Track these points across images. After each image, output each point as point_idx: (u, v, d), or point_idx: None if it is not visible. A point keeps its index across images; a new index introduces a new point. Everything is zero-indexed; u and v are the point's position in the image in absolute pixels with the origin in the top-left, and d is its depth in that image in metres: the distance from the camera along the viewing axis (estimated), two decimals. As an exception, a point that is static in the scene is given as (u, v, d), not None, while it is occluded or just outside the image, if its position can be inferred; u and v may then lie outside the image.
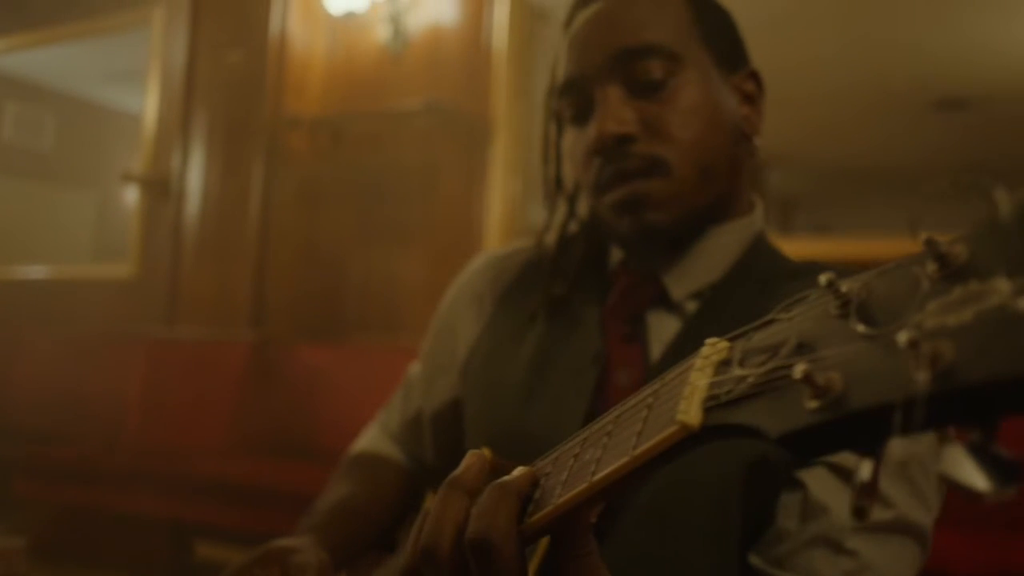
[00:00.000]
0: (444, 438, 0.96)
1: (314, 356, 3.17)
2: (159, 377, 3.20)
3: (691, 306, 0.80)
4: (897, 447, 0.66)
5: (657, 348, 0.78)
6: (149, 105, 3.71)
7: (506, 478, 0.47)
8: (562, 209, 0.90)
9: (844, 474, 0.66)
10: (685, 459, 0.67)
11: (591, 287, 0.86)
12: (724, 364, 0.34)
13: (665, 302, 0.81)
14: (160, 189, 3.60)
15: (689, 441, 0.34)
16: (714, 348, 0.35)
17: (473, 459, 0.50)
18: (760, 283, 0.78)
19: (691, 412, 0.33)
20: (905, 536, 0.66)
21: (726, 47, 0.83)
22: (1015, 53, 2.32)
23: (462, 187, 3.15)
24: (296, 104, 3.37)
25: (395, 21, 3.15)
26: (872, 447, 0.26)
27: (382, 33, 3.19)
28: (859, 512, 0.26)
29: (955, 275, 0.26)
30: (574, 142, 0.83)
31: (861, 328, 0.28)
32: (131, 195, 3.79)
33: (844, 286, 0.30)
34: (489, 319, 0.93)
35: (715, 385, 0.33)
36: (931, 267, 0.26)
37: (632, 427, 0.39)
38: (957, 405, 0.23)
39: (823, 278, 0.31)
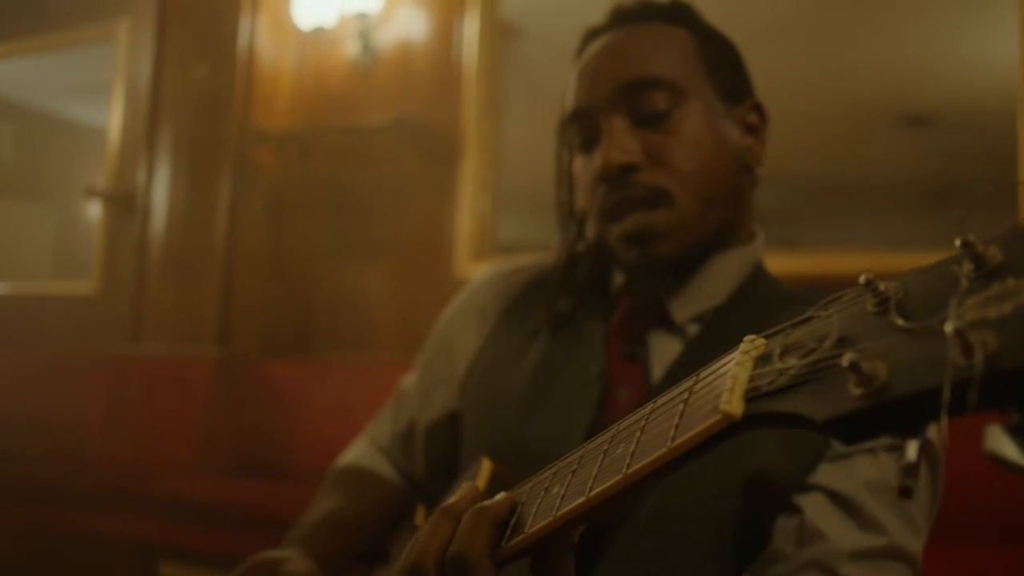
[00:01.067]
0: (437, 451, 0.97)
1: (282, 373, 3.14)
2: (123, 395, 3.15)
3: (693, 329, 0.82)
4: (888, 472, 0.70)
5: (658, 368, 0.81)
6: (113, 119, 3.65)
7: (486, 503, 0.52)
8: (572, 231, 0.93)
9: (841, 501, 0.69)
10: (683, 477, 0.70)
11: (595, 306, 0.88)
12: (763, 359, 0.37)
13: (667, 324, 0.83)
14: (124, 205, 3.55)
15: (729, 431, 0.36)
16: (752, 344, 0.38)
17: (467, 490, 0.55)
18: (760, 308, 0.81)
19: (734, 402, 0.35)
20: (897, 562, 0.68)
21: (730, 80, 0.86)
22: (977, 71, 2.41)
23: (432, 203, 3.16)
24: (264, 119, 3.35)
25: (364, 36, 3.16)
26: (914, 431, 0.29)
27: (351, 48, 3.20)
28: (904, 491, 0.28)
29: (991, 274, 0.28)
30: (582, 169, 0.86)
31: (901, 322, 0.30)
32: (94, 211, 3.72)
33: (882, 285, 0.32)
34: (491, 333, 0.94)
35: (756, 377, 0.36)
36: (967, 267, 0.29)
37: (666, 423, 0.41)
38: (1000, 389, 0.26)
39: (862, 277, 0.33)
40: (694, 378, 0.42)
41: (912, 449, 0.28)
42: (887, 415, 0.29)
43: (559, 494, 0.49)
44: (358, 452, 1.04)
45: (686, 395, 0.41)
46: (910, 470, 0.28)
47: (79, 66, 3.86)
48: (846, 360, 0.30)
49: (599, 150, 0.81)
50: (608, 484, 0.43)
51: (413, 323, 3.11)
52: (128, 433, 3.05)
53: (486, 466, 0.74)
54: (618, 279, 0.89)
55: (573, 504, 0.47)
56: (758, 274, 0.86)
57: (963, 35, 2.41)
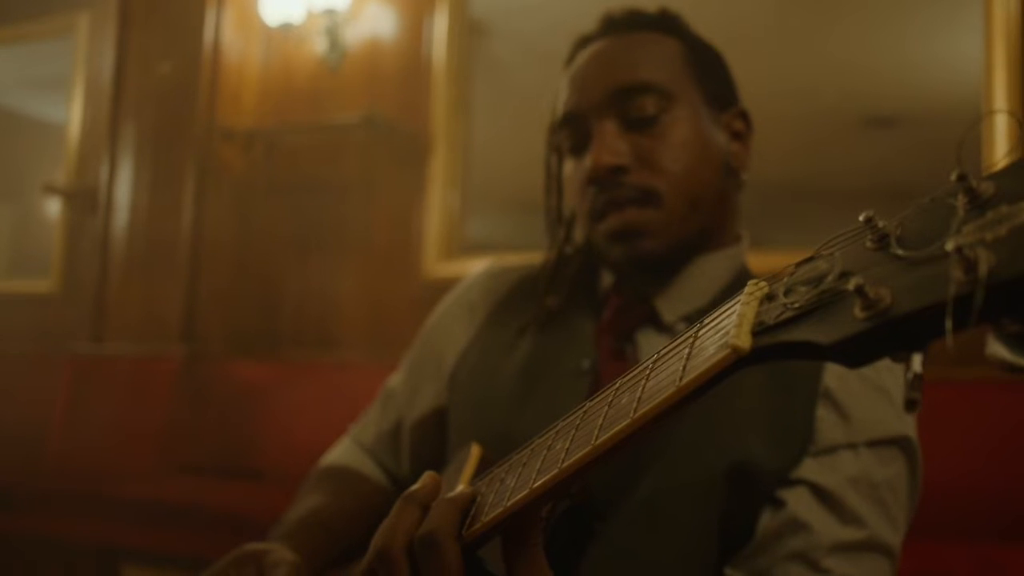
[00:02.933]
0: (423, 448, 0.97)
1: (248, 372, 3.11)
2: (84, 395, 3.09)
3: (680, 328, 0.84)
4: (874, 469, 0.73)
5: None
6: (74, 115, 3.59)
7: (452, 494, 0.56)
8: (560, 234, 0.94)
9: (824, 495, 0.71)
10: (670, 466, 0.72)
11: (585, 304, 0.90)
12: (768, 298, 0.39)
13: (655, 323, 0.85)
14: (85, 202, 3.49)
15: (739, 364, 0.38)
16: (756, 286, 0.40)
17: (428, 478, 0.58)
18: None
19: (742, 336, 0.37)
20: (877, 554, 0.71)
21: (716, 87, 0.89)
22: (940, 73, 2.49)
23: (400, 201, 3.16)
24: (230, 116, 3.32)
25: (332, 33, 3.15)
26: (919, 347, 0.31)
27: (319, 45, 3.19)
28: (911, 403, 0.30)
29: (985, 204, 0.31)
30: (572, 172, 0.88)
31: (901, 252, 0.33)
32: (53, 208, 3.65)
33: (880, 222, 0.35)
34: (480, 329, 0.95)
35: (762, 313, 0.38)
36: (962, 199, 0.32)
37: (672, 367, 0.43)
38: (998, 301, 0.28)
39: (862, 216, 0.36)
40: (697, 325, 0.44)
41: (917, 362, 0.30)
42: (892, 334, 0.31)
43: (557, 453, 0.51)
44: (341, 452, 1.04)
45: (691, 340, 0.43)
46: (915, 382, 0.30)
47: (38, 60, 3.78)
48: (852, 284, 0.32)
49: (589, 153, 0.84)
50: (616, 430, 0.45)
51: (381, 322, 3.11)
52: (89, 434, 2.99)
53: (475, 451, 0.75)
54: (607, 279, 0.91)
55: (549, 475, 0.49)
56: (744, 276, 0.88)
57: (926, 38, 2.49)
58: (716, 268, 0.86)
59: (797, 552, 0.70)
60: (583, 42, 0.92)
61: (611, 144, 0.82)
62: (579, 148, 0.87)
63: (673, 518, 0.73)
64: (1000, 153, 2.27)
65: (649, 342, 0.84)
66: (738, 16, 2.50)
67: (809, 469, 0.72)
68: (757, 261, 0.91)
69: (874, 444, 0.73)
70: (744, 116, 0.91)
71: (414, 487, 0.57)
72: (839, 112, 2.53)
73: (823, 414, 0.74)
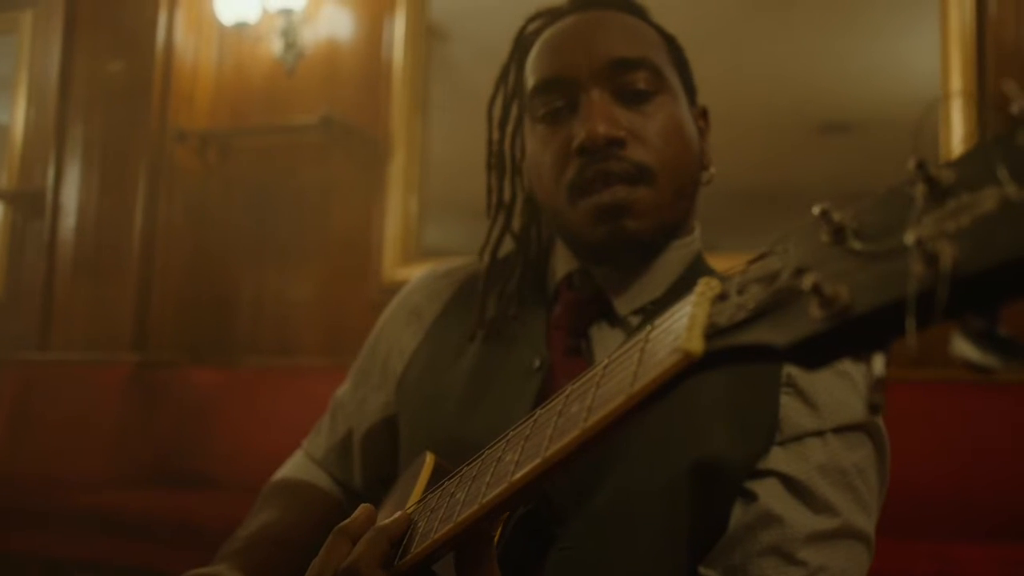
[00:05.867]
0: (374, 458, 0.95)
1: (202, 379, 3.04)
2: (30, 405, 2.98)
3: (635, 321, 0.82)
4: (843, 454, 0.71)
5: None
6: (18, 116, 3.49)
7: (383, 523, 0.56)
8: (499, 223, 0.90)
9: (794, 486, 0.70)
10: (632, 465, 0.70)
11: (534, 301, 0.87)
12: (720, 298, 0.37)
13: (608, 317, 0.82)
14: (31, 205, 3.38)
15: (691, 370, 0.36)
16: (708, 285, 0.38)
17: (361, 511, 0.58)
18: None
19: (693, 340, 0.35)
20: (852, 540, 0.70)
21: (689, 80, 0.87)
22: (896, 79, 2.52)
23: (358, 205, 3.11)
24: (183, 117, 3.25)
25: (288, 34, 3.10)
26: (879, 347, 0.29)
27: (275, 45, 3.14)
28: (874, 407, 0.28)
29: (946, 193, 0.29)
30: (544, 141, 0.82)
31: (858, 246, 0.31)
32: (-5, 211, 3.54)
33: (836, 215, 0.33)
34: (428, 332, 0.92)
35: (714, 314, 0.36)
36: (921, 188, 0.30)
37: (623, 372, 0.41)
38: (964, 296, 0.26)
39: (816, 208, 0.34)
40: (649, 327, 0.42)
41: (879, 363, 0.28)
42: (851, 334, 0.29)
43: (507, 465, 0.49)
44: (293, 466, 1.01)
45: (641, 343, 0.41)
46: (878, 386, 0.28)
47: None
48: (807, 283, 0.30)
49: (578, 122, 0.78)
50: (566, 441, 0.42)
51: (338, 328, 3.06)
52: (34, 444, 2.89)
53: (428, 460, 0.73)
54: (559, 271, 0.87)
55: (498, 489, 0.48)
56: (697, 265, 0.86)
57: (883, 44, 2.52)
58: (671, 259, 0.84)
59: (771, 546, 0.68)
60: (554, 14, 0.87)
61: (607, 114, 0.77)
62: (556, 116, 0.80)
63: (637, 519, 0.71)
64: (957, 143, 2.30)
65: (603, 337, 0.81)
66: (693, 21, 2.51)
67: (777, 459, 0.71)
68: (713, 265, 0.89)
69: (840, 430, 0.72)
70: (705, 114, 0.89)
71: (346, 521, 0.57)
72: (796, 118, 2.55)
73: (787, 402, 0.72)
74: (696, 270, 0.85)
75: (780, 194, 2.61)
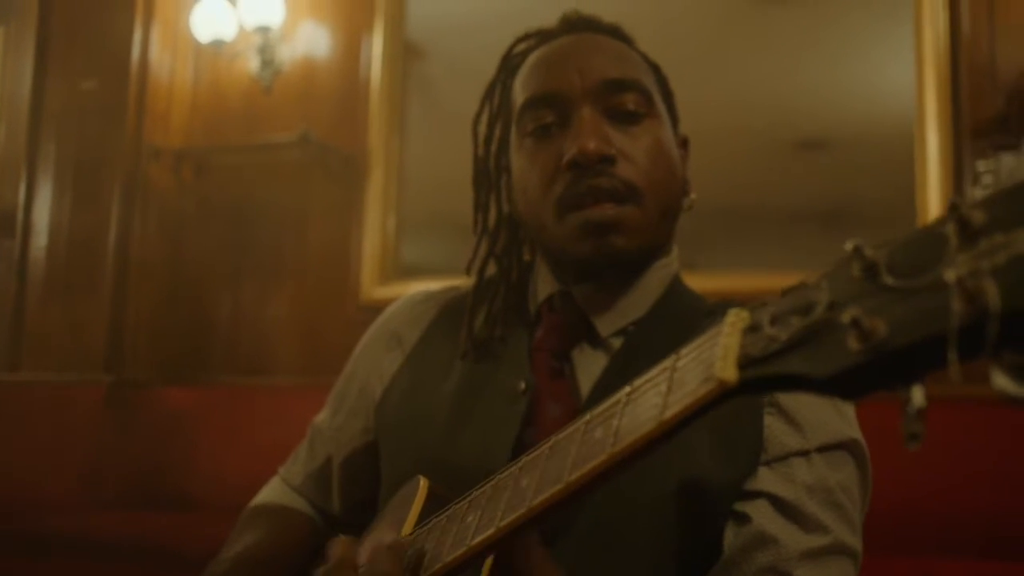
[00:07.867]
0: (353, 484, 0.95)
1: (177, 399, 3.00)
2: (1, 425, 2.92)
3: (616, 343, 0.82)
4: (825, 474, 0.73)
5: (585, 383, 0.80)
6: (-13, 133, 3.43)
7: (388, 541, 0.57)
8: (486, 240, 0.91)
9: (784, 506, 0.71)
10: (617, 488, 0.71)
11: (516, 323, 0.87)
12: (751, 329, 0.38)
13: (591, 339, 0.83)
14: (1, 224, 3.33)
15: (721, 399, 0.37)
16: (739, 316, 0.39)
17: (339, 546, 0.60)
18: (679, 320, 0.82)
19: (728, 370, 0.36)
20: (842, 556, 0.71)
21: (673, 108, 0.89)
22: (871, 97, 2.57)
23: (336, 223, 3.10)
24: (158, 135, 3.22)
25: (265, 52, 3.09)
26: (918, 379, 0.30)
27: (252, 63, 3.12)
28: (913, 437, 0.30)
29: (978, 233, 0.30)
30: (532, 156, 0.83)
31: (891, 281, 0.32)
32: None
33: (868, 251, 0.34)
34: (408, 357, 0.92)
35: (747, 345, 0.37)
36: (953, 228, 0.31)
37: (650, 401, 0.42)
38: (1004, 332, 0.28)
39: (849, 244, 0.35)
40: (674, 357, 0.43)
41: (919, 395, 0.30)
42: (889, 367, 0.31)
43: (524, 490, 0.50)
44: (271, 491, 1.01)
45: (668, 372, 0.42)
46: (919, 416, 0.29)
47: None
48: (846, 317, 0.31)
49: (569, 137, 0.79)
50: (590, 466, 0.43)
51: (315, 347, 3.04)
52: (7, 467, 2.83)
53: (423, 485, 0.73)
54: (540, 293, 0.88)
55: (517, 513, 0.49)
56: (676, 286, 0.87)
57: (858, 61, 2.57)
58: (651, 280, 0.85)
59: (767, 566, 0.69)
60: (543, 35, 0.89)
61: (599, 131, 0.78)
62: (546, 132, 0.82)
63: (624, 540, 0.71)
64: (933, 176, 2.36)
65: (584, 359, 0.82)
66: (669, 41, 2.55)
67: (765, 480, 0.72)
68: (689, 283, 0.91)
69: (823, 449, 0.73)
70: (686, 143, 0.91)
71: (330, 564, 0.58)
72: (771, 135, 2.59)
73: (771, 422, 0.73)
74: (675, 291, 0.87)
75: (755, 212, 2.64)
